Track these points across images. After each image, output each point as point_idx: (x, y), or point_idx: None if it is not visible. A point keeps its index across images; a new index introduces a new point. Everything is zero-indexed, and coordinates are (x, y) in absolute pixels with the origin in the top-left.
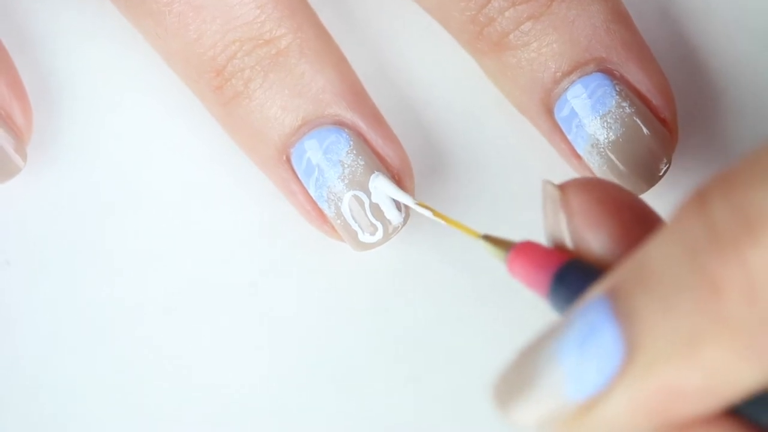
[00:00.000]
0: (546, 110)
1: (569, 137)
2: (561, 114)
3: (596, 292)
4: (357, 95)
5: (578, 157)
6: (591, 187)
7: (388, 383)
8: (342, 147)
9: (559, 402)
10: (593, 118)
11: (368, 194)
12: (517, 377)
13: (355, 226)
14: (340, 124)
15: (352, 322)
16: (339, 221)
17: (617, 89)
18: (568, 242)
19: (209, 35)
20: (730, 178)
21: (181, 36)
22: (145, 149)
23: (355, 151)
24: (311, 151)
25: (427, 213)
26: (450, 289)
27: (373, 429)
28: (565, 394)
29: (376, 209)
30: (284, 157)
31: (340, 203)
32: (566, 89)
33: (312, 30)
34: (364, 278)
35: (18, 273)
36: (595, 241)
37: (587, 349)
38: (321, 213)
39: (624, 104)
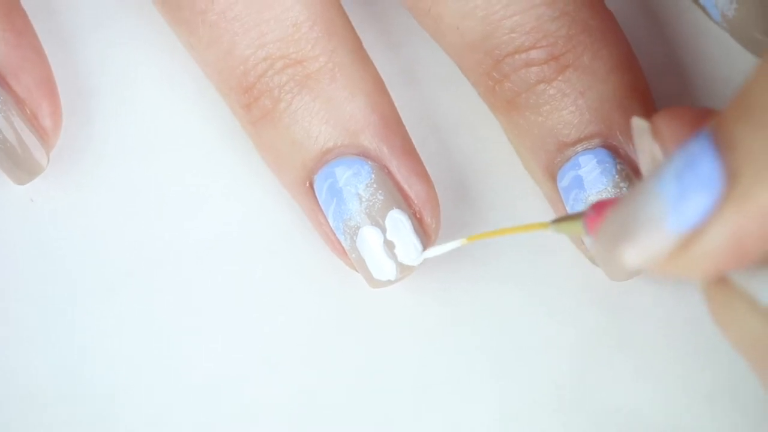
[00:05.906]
0: (549, 176)
1: (567, 207)
2: (561, 183)
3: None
4: (387, 125)
5: None
6: (680, 113)
7: (393, 388)
8: (362, 179)
9: (662, 236)
10: (589, 194)
11: (384, 230)
12: (621, 217)
13: (369, 262)
14: (363, 154)
15: (352, 327)
16: (354, 255)
17: (618, 168)
18: None
19: (241, 49)
20: None
21: (214, 47)
22: (177, 157)
23: (375, 185)
24: (331, 180)
25: (481, 239)
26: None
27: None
28: (667, 227)
29: (391, 246)
30: (307, 184)
31: (355, 237)
32: (569, 159)
33: (347, 54)
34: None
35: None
36: None
37: (686, 179)
38: (341, 244)
39: (622, 184)
